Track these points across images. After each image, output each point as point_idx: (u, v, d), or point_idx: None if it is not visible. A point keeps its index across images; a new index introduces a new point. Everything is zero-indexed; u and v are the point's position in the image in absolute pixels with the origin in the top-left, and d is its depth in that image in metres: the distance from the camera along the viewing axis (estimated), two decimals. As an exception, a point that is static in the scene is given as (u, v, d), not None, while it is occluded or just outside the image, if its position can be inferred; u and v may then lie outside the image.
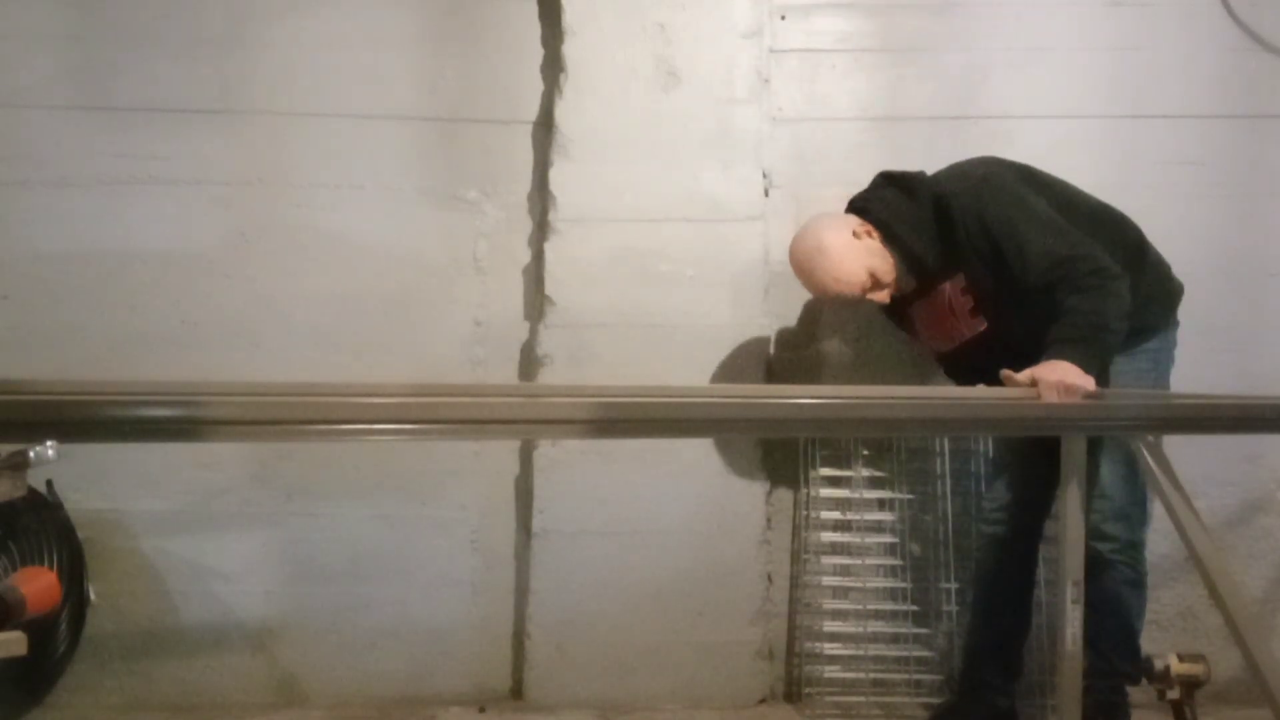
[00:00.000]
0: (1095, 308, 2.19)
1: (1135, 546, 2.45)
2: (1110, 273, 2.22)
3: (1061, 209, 2.36)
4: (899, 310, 2.55)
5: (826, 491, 2.82)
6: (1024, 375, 2.12)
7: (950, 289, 2.42)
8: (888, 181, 2.50)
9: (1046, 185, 2.44)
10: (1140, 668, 2.43)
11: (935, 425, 2.10)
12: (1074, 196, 2.46)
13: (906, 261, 2.39)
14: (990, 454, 2.80)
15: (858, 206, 2.48)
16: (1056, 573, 2.45)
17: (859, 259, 2.38)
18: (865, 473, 2.82)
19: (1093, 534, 2.37)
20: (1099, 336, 2.18)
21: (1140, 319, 2.33)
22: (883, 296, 2.42)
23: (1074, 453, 2.15)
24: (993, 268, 2.33)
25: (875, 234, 2.40)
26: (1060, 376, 2.08)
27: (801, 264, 2.45)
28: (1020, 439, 2.52)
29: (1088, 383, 2.09)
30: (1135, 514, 2.44)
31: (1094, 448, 2.38)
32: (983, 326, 2.40)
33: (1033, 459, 2.45)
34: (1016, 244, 2.28)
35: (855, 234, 2.40)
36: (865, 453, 2.84)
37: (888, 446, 2.84)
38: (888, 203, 2.43)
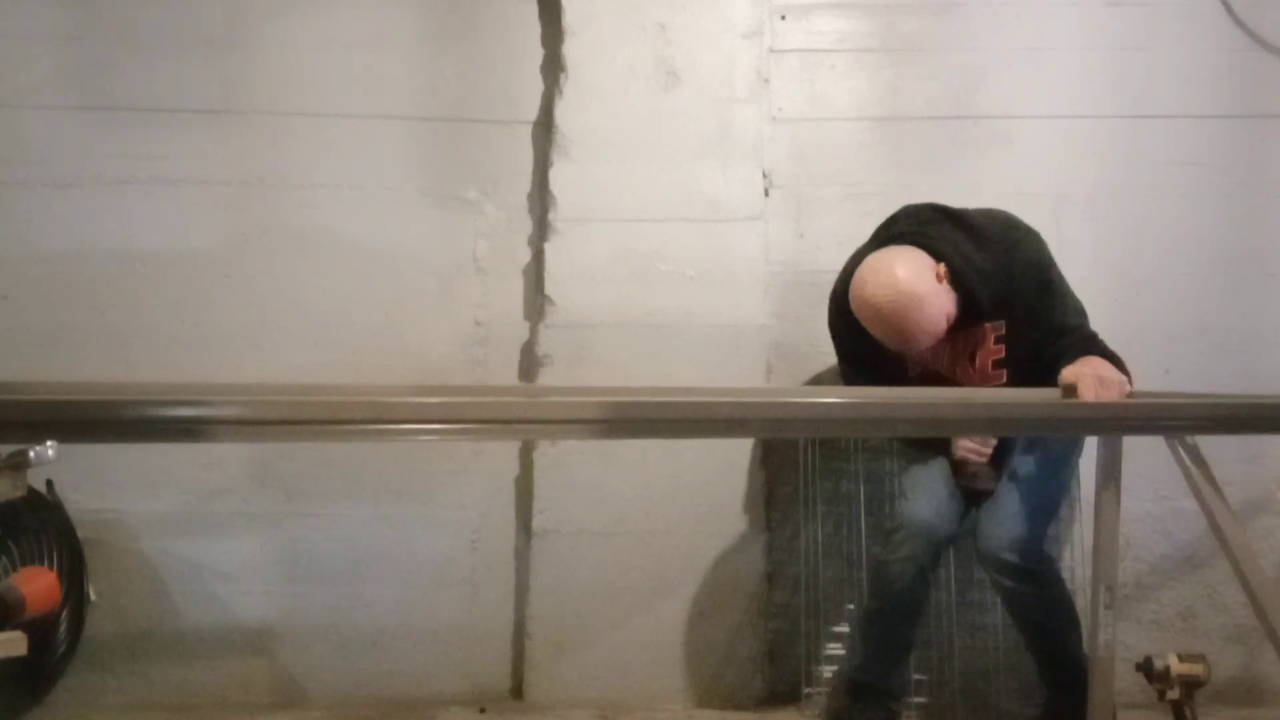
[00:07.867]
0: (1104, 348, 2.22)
1: (1051, 561, 2.42)
2: None
3: None
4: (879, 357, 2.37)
5: (827, 491, 2.82)
6: (1068, 375, 2.05)
7: (979, 335, 2.30)
8: (944, 217, 2.31)
9: None
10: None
11: (939, 427, 2.07)
12: None
13: (963, 306, 2.25)
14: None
15: (919, 242, 2.27)
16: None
17: (944, 307, 2.21)
18: (865, 472, 2.82)
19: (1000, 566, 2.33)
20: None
21: None
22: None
23: (1112, 454, 2.11)
24: (1026, 324, 2.24)
25: (946, 277, 2.24)
26: (1094, 369, 2.03)
27: (893, 316, 2.19)
28: (934, 458, 2.43)
29: (1123, 380, 2.04)
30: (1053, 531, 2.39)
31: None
32: (1002, 381, 2.29)
33: (944, 482, 2.41)
34: (1060, 303, 2.23)
35: (939, 278, 2.22)
36: (865, 452, 2.84)
37: (887, 446, 2.84)
38: (957, 245, 2.24)
